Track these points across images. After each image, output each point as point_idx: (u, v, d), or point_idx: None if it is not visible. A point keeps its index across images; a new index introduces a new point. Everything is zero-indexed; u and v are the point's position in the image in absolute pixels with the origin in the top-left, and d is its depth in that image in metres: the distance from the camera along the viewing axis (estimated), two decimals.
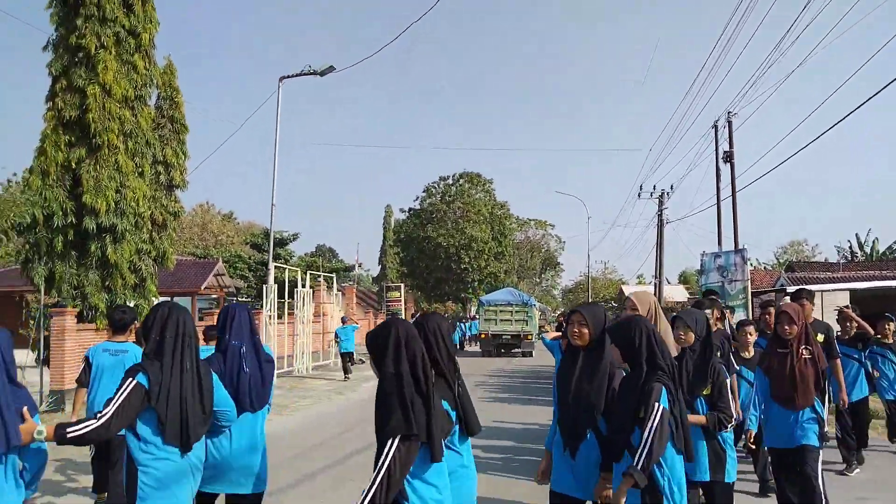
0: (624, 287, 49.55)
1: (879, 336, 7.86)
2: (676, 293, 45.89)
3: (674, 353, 3.97)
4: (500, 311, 28.20)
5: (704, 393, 4.05)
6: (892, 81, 12.46)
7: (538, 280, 75.83)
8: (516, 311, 28.01)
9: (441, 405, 2.75)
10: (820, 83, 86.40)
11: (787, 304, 5.43)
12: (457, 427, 2.99)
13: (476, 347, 32.25)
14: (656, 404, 3.13)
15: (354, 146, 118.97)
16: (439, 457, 2.55)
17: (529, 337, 27.87)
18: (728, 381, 4.18)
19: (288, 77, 19.28)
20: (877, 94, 13.38)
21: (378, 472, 2.42)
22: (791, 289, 20.76)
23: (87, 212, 12.95)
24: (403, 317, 36.15)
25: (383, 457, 2.43)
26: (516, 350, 27.92)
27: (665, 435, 3.13)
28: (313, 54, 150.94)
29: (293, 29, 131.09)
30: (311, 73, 18.94)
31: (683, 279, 59.29)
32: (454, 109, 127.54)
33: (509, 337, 27.90)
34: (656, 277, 34.68)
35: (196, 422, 3.14)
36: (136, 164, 13.94)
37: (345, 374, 18.36)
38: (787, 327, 4.89)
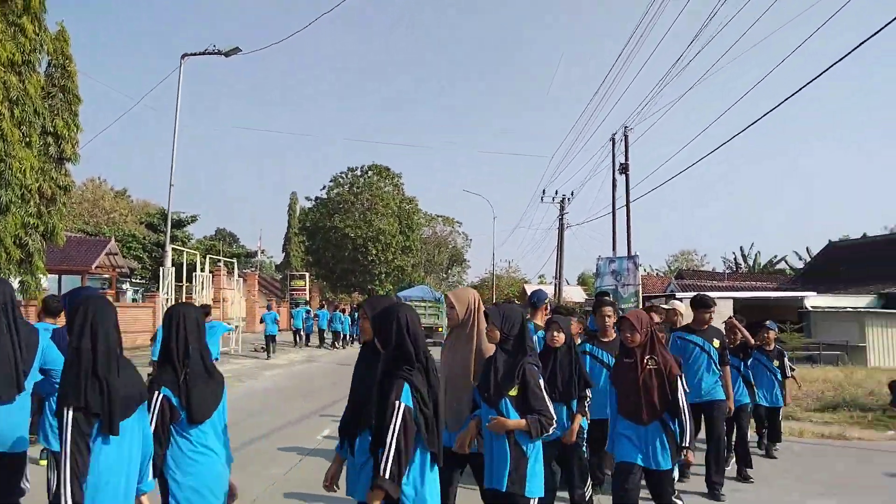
0: (527, 286, 50.73)
1: (760, 343, 8.26)
2: (575, 294, 47.50)
3: (489, 353, 3.93)
4: (416, 307, 29.72)
5: (511, 394, 3.65)
6: (777, 106, 13.43)
7: (445, 275, 76.46)
8: (429, 307, 30.81)
9: (135, 384, 2.91)
10: (716, 98, 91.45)
11: (631, 311, 5.10)
12: (184, 413, 3.13)
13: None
14: (396, 402, 2.86)
15: (259, 130, 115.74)
16: (116, 431, 2.71)
17: (440, 329, 30.19)
18: (541, 381, 3.70)
19: (191, 55, 18.62)
20: (761, 118, 14.38)
21: (63, 443, 2.59)
22: (684, 295, 21.98)
23: None
24: (309, 306, 35.61)
25: (63, 428, 2.61)
26: (429, 339, 29.28)
27: (410, 435, 2.85)
28: (221, 34, 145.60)
29: (199, 6, 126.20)
30: (215, 53, 18.39)
31: (582, 281, 61.41)
32: (364, 101, 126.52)
33: (424, 329, 29.49)
34: (556, 278, 35.81)
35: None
36: (22, 134, 13.09)
37: (267, 354, 20.66)
38: (628, 335, 4.56)
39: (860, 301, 24.69)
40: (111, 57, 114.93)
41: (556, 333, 4.98)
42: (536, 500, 3.69)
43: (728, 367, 6.67)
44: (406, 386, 2.91)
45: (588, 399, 5.00)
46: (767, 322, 8.65)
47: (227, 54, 18.42)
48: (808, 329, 23.52)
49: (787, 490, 6.64)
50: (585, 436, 5.36)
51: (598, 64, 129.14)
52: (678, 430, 4.37)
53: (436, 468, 3.05)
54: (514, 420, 3.61)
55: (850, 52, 9.99)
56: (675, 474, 4.59)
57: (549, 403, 3.64)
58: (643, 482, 4.53)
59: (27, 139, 13.25)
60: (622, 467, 4.46)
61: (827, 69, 10.66)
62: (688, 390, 5.83)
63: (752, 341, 7.92)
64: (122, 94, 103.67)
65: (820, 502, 6.18)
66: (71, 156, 15.45)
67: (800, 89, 12.60)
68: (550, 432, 3.66)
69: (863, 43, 9.54)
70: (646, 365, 4.42)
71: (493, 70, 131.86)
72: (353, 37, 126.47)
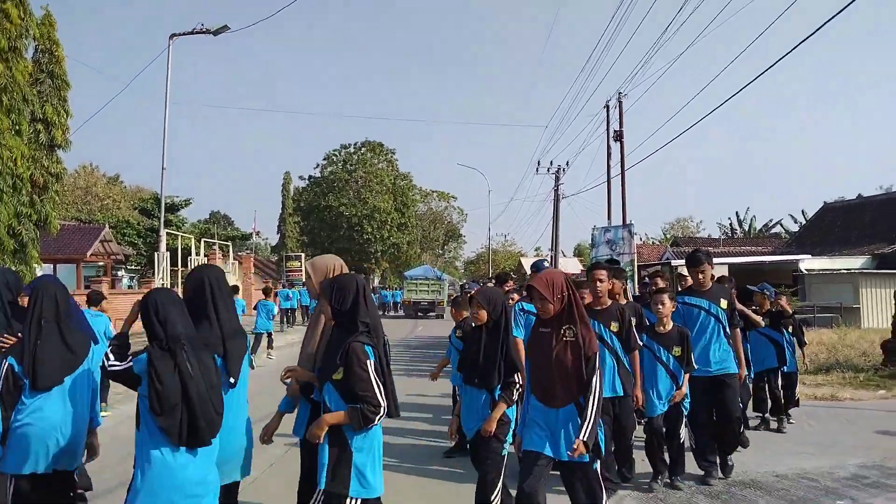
0: (523, 259, 50.84)
1: (756, 308, 7.97)
2: (571, 265, 47.62)
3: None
4: (420, 284, 36.48)
5: (336, 377, 3.20)
6: (770, 68, 13.42)
7: (441, 251, 76.55)
8: (431, 284, 36.40)
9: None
10: (711, 61, 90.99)
11: (540, 274, 4.07)
12: (27, 381, 3.41)
13: (400, 312, 39.31)
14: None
15: (250, 109, 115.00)
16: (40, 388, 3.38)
17: (441, 303, 35.37)
18: (370, 363, 3.18)
19: (179, 35, 18.45)
20: (757, 77, 14.37)
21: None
22: (678, 262, 22.09)
23: None
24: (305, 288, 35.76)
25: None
26: (431, 313, 35.77)
27: None
28: (208, 13, 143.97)
29: None
30: (203, 32, 18.22)
31: (578, 252, 61.50)
32: (355, 76, 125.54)
33: (426, 304, 36.06)
34: (552, 250, 35.89)
35: None
36: (11, 122, 13.03)
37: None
38: (539, 306, 3.82)
39: (854, 262, 24.84)
40: (96, 39, 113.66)
41: (477, 310, 4.28)
42: (358, 500, 3.17)
43: (738, 331, 5.98)
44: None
45: (519, 385, 4.12)
46: (759, 286, 8.48)
47: (215, 33, 18.27)
48: (802, 292, 23.69)
49: (780, 452, 6.76)
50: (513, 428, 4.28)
51: (591, 28, 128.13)
52: (585, 420, 3.57)
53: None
54: (331, 414, 3.18)
55: (843, 10, 9.95)
56: (598, 467, 3.73)
57: (376, 388, 3.14)
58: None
59: (17, 127, 13.19)
60: (528, 456, 3.73)
61: (820, 27, 10.61)
62: (694, 367, 5.53)
63: (758, 321, 7.46)
64: (110, 78, 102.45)
65: (813, 462, 6.30)
66: (62, 142, 15.42)
67: (793, 49, 12.54)
68: (376, 422, 3.17)
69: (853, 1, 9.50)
70: (562, 336, 3.69)
71: (485, 41, 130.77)
72: (342, 13, 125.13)
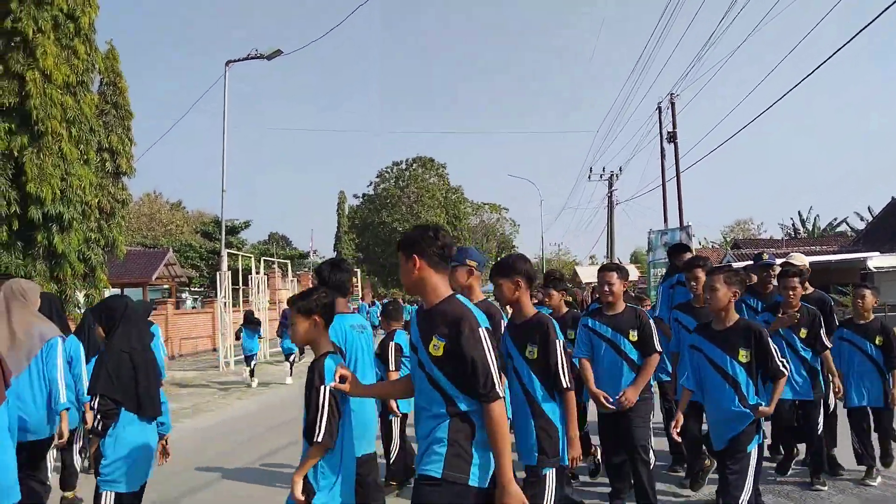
0: (577, 268, 50.39)
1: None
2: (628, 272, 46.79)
3: None
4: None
5: None
6: (826, 60, 13.04)
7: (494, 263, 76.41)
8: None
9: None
10: (765, 56, 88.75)
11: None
12: None
13: None
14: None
15: (305, 130, 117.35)
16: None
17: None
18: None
19: (235, 61, 19.05)
20: (811, 73, 13.97)
21: None
22: (738, 265, 21.54)
23: (31, 201, 12.64)
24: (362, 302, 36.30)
25: None
26: None
27: None
28: (261, 38, 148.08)
29: (240, 12, 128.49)
30: (258, 57, 18.74)
31: (635, 258, 60.56)
32: (405, 93, 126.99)
33: None
34: (608, 257, 35.43)
35: None
36: (80, 152, 13.65)
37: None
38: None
39: None
40: (155, 68, 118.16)
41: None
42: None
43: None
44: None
45: None
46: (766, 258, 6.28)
47: (269, 57, 18.77)
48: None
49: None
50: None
51: (640, 30, 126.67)
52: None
53: None
54: None
55: None
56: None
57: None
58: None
59: (84, 157, 13.81)
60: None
61: (880, 14, 10.31)
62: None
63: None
64: (170, 107, 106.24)
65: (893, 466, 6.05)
66: (127, 170, 16.06)
67: (851, 38, 12.18)
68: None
69: None
70: None
71: (530, 48, 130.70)
72: (387, 30, 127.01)
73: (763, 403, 4.11)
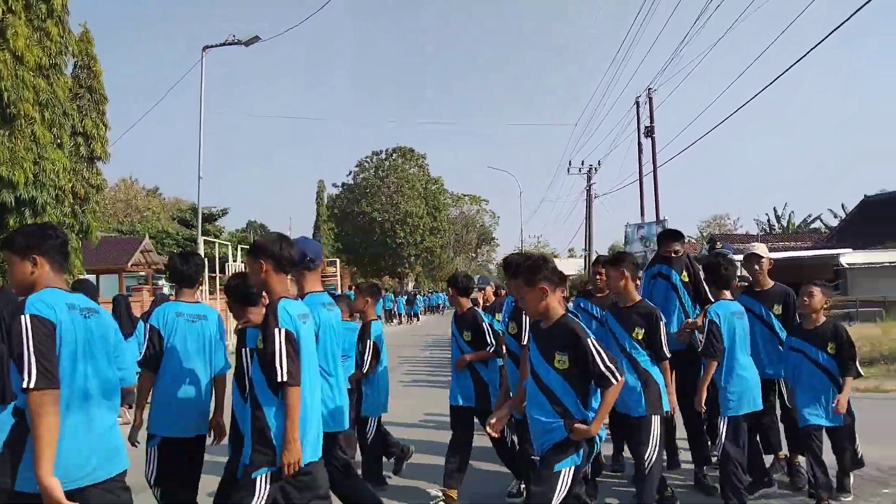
0: (556, 260, 50.64)
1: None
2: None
3: None
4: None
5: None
6: (803, 57, 13.19)
7: (474, 255, 76.56)
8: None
9: None
10: (741, 55, 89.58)
11: None
12: None
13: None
14: None
15: (283, 118, 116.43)
16: None
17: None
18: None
19: (211, 46, 18.80)
20: (788, 69, 14.12)
21: None
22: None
23: (3, 185, 12.45)
24: (339, 292, 36.33)
25: None
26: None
27: None
28: (240, 23, 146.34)
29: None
30: (235, 43, 18.52)
31: (612, 251, 60.98)
32: (386, 83, 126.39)
33: None
34: (586, 250, 35.64)
35: None
36: (53, 136, 13.45)
37: None
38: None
39: None
40: (130, 53, 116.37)
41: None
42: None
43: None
44: None
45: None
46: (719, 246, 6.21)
47: (246, 43, 18.56)
48: (844, 287, 23.19)
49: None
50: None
51: (619, 24, 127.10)
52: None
53: None
54: None
55: None
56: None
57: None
58: None
59: (58, 141, 13.61)
60: None
61: (854, 13, 10.41)
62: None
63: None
64: (146, 92, 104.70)
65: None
66: (101, 154, 15.86)
67: (825, 38, 12.32)
68: None
69: None
70: None
71: (511, 41, 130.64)
72: (370, 19, 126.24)
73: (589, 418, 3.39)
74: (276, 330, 3.07)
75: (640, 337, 4.38)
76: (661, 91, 24.03)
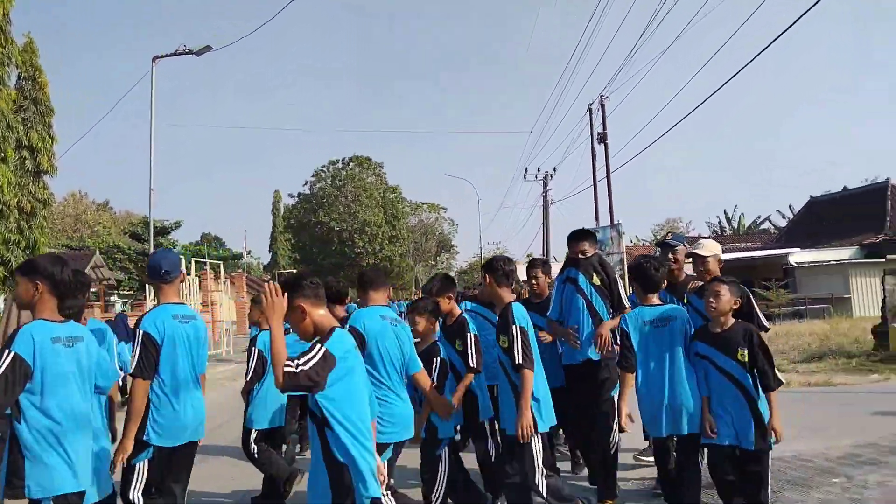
0: (518, 265, 50.89)
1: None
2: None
3: None
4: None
5: None
6: (750, 62, 13.57)
7: (433, 262, 76.58)
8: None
9: None
10: (691, 63, 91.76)
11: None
12: None
13: None
14: None
15: (236, 128, 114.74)
16: None
17: None
18: None
19: (162, 57, 18.46)
20: (735, 75, 14.54)
21: None
22: None
23: None
24: None
25: None
26: None
27: None
28: (190, 34, 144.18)
29: (167, 7, 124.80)
30: (186, 53, 18.20)
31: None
32: (338, 91, 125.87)
33: None
34: (544, 254, 36.01)
35: None
36: None
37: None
38: None
39: (843, 254, 25.07)
40: (78, 64, 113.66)
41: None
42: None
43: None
44: None
45: None
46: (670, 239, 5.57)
47: (198, 53, 18.24)
48: (793, 285, 23.88)
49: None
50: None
51: (572, 31, 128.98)
52: None
53: None
54: None
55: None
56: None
57: None
58: None
59: (2, 154, 13.22)
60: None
61: (798, 18, 10.76)
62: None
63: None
64: (94, 103, 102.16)
65: (807, 444, 6.35)
66: (48, 168, 15.44)
67: (770, 44, 12.73)
68: None
69: None
70: None
71: (468, 52, 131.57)
72: (322, 29, 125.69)
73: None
74: (6, 351, 2.95)
75: (504, 345, 4.10)
76: (612, 98, 24.46)
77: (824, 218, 31.23)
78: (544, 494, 3.99)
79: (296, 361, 2.62)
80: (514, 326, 4.05)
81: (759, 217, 53.19)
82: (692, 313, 4.68)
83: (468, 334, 4.64)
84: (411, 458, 4.87)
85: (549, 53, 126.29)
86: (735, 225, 52.86)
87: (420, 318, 4.46)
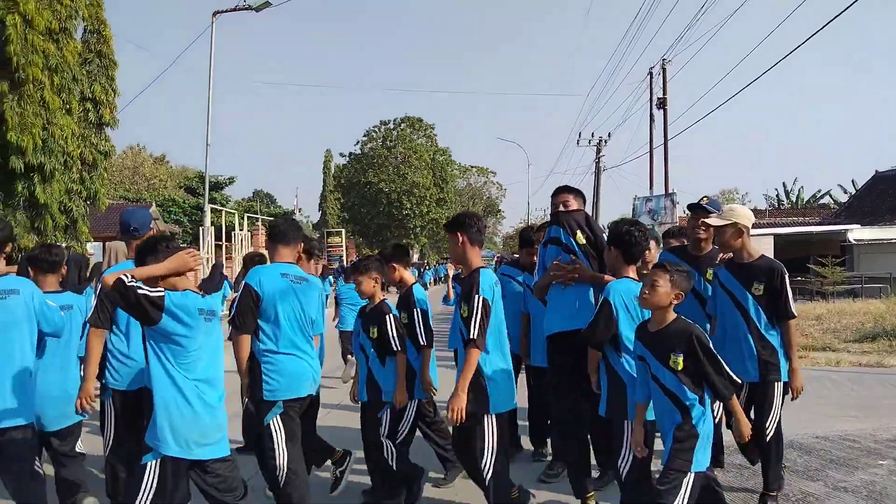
0: None
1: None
2: None
3: None
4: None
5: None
6: (814, 35, 13.01)
7: None
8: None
9: None
10: (755, 28, 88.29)
11: None
12: None
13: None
14: None
15: (292, 85, 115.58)
16: None
17: None
18: None
19: (222, 12, 18.67)
20: (803, 43, 13.95)
21: None
22: None
23: (12, 150, 12.50)
24: (345, 262, 36.47)
25: None
26: None
27: None
28: None
29: None
30: (245, 9, 18.38)
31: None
32: (396, 52, 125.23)
33: None
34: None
35: None
36: (62, 101, 13.46)
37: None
38: None
39: None
40: (139, 18, 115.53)
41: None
42: None
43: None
44: None
45: None
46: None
47: (257, 9, 18.42)
48: (850, 262, 23.15)
49: (821, 415, 6.72)
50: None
51: None
52: None
53: None
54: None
55: None
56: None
57: None
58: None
59: (67, 106, 13.62)
60: None
61: None
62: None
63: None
64: (156, 58, 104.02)
65: (855, 425, 6.26)
66: (110, 121, 15.87)
67: (840, 14, 12.15)
68: None
69: None
70: None
71: (523, 10, 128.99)
72: None
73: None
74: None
75: (464, 314, 3.68)
76: (675, 62, 23.75)
77: (889, 194, 30.00)
78: (486, 482, 3.67)
79: None
80: (477, 297, 3.60)
81: (819, 191, 51.43)
82: (718, 289, 4.29)
83: (414, 309, 4.42)
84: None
85: (611, 16, 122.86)
86: (794, 199, 51.22)
87: (361, 278, 4.33)
